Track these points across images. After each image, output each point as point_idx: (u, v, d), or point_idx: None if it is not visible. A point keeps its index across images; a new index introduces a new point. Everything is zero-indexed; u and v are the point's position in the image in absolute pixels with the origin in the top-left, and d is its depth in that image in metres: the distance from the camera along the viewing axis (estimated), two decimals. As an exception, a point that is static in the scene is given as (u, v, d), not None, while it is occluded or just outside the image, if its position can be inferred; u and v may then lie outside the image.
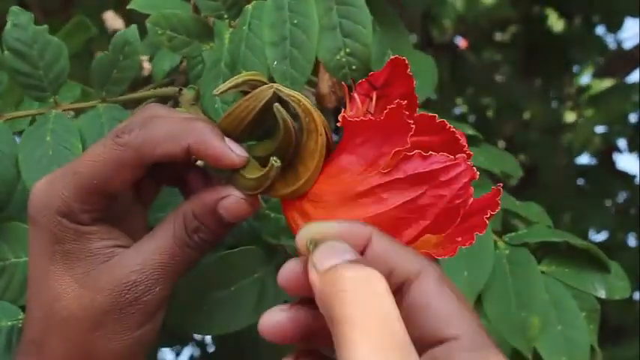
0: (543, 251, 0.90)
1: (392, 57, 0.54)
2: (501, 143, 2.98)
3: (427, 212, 0.48)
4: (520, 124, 2.99)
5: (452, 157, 0.48)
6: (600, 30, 2.94)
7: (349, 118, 0.51)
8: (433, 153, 0.48)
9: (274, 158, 0.51)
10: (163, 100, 0.75)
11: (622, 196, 2.77)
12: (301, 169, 0.53)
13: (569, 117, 3.06)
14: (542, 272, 0.86)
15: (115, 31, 1.76)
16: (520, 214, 0.90)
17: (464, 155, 0.49)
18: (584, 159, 2.95)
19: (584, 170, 2.78)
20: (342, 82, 0.58)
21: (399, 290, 0.44)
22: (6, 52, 0.68)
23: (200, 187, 0.57)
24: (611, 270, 0.86)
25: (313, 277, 0.42)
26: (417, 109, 0.56)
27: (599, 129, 2.81)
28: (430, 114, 0.52)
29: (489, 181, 0.87)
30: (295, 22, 0.60)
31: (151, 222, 0.60)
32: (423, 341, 0.42)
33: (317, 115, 0.52)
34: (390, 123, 0.49)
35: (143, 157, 0.51)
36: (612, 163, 2.89)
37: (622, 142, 2.87)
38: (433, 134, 0.52)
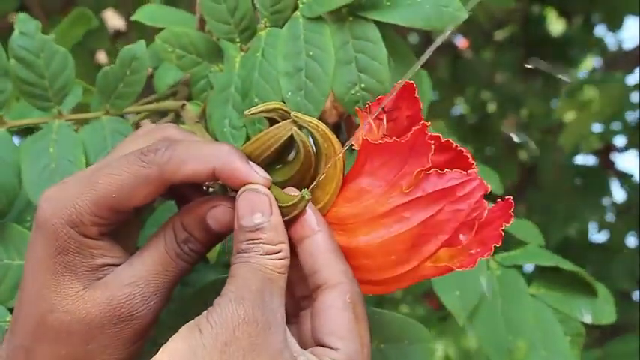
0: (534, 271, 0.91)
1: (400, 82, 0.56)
2: (501, 143, 2.99)
3: (446, 227, 0.51)
4: (520, 124, 3.00)
5: (465, 172, 0.50)
6: (600, 30, 2.94)
7: (372, 141, 0.52)
8: (448, 170, 0.50)
9: (305, 190, 0.53)
10: (165, 113, 0.75)
11: (621, 196, 2.78)
12: (319, 193, 0.54)
13: (569, 117, 3.06)
14: (531, 295, 0.86)
15: (114, 30, 1.75)
16: (512, 234, 0.91)
17: (475, 170, 0.51)
18: (583, 158, 2.96)
19: (582, 169, 2.78)
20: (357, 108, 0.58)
21: (316, 289, 0.52)
22: (12, 60, 0.68)
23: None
24: (598, 294, 0.87)
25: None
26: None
27: (597, 128, 2.81)
28: (435, 134, 0.53)
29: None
30: (311, 53, 0.60)
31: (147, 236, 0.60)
32: (314, 339, 0.52)
33: (335, 140, 0.54)
34: (412, 144, 0.51)
35: (168, 176, 0.52)
36: (611, 163, 2.89)
37: (621, 142, 2.87)
38: (440, 153, 0.54)
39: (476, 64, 2.78)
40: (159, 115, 0.78)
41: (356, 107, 0.58)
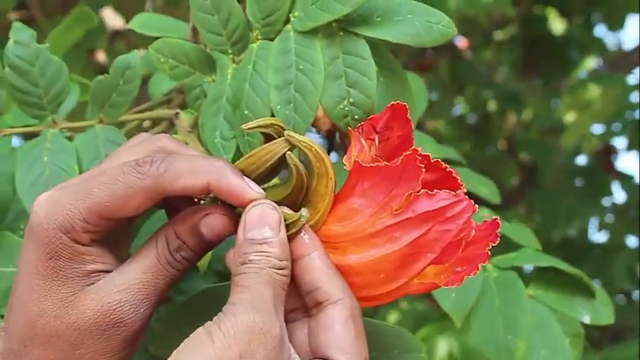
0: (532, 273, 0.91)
1: (393, 103, 0.56)
2: (501, 143, 2.99)
3: (434, 246, 0.52)
4: (520, 124, 3.00)
5: (454, 193, 0.51)
6: (601, 30, 2.94)
7: (362, 163, 0.53)
8: (438, 191, 0.51)
9: (304, 209, 0.54)
10: (159, 121, 0.75)
11: (621, 196, 2.78)
12: (311, 211, 0.55)
13: (569, 117, 3.06)
14: (530, 296, 0.87)
15: (113, 30, 1.76)
16: (509, 237, 0.91)
17: (463, 191, 0.52)
18: (583, 159, 2.96)
19: (582, 170, 2.78)
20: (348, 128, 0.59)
21: (317, 305, 0.53)
22: (6, 69, 0.69)
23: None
24: (596, 295, 0.87)
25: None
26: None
27: (597, 129, 2.81)
28: (425, 153, 0.54)
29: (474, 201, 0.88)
30: (301, 67, 0.60)
31: (139, 244, 0.60)
32: (314, 351, 0.53)
33: (327, 160, 0.55)
34: (403, 168, 0.52)
35: (162, 188, 0.52)
36: (611, 163, 2.90)
37: (621, 143, 2.88)
38: (429, 172, 0.54)
39: (476, 64, 2.78)
40: (153, 123, 0.78)
41: (348, 127, 0.58)
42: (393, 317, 1.94)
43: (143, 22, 0.80)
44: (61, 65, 0.70)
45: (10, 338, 0.54)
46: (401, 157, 0.51)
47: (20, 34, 0.70)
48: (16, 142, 0.73)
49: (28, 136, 0.72)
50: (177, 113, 0.70)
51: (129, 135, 0.72)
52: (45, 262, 0.53)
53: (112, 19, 1.75)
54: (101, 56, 1.84)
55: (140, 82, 0.69)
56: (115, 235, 0.57)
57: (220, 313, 0.50)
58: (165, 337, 0.63)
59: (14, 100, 0.70)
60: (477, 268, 0.53)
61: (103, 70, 1.84)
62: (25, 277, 0.54)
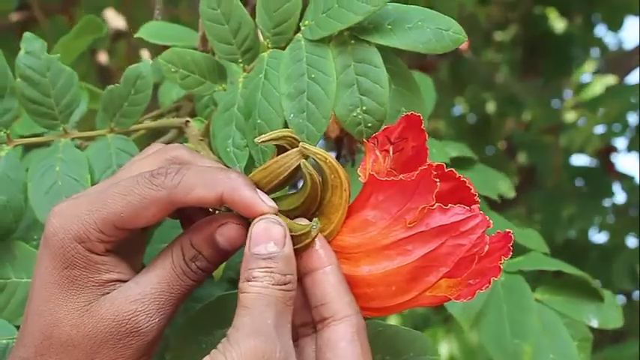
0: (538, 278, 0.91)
1: (406, 113, 0.57)
2: (501, 143, 2.99)
3: (447, 260, 0.52)
4: (520, 124, 3.00)
5: (469, 208, 0.51)
6: (601, 30, 2.94)
7: (377, 177, 0.53)
8: (452, 205, 0.51)
9: (316, 220, 0.54)
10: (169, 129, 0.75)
11: (621, 197, 2.78)
12: (324, 221, 0.55)
13: (569, 117, 3.06)
14: (537, 300, 0.87)
15: (115, 30, 1.76)
16: (516, 241, 0.91)
17: (477, 204, 0.52)
18: (583, 159, 2.96)
19: (582, 170, 2.78)
20: (363, 139, 0.59)
21: (322, 320, 0.54)
22: (18, 80, 0.69)
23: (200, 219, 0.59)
24: (604, 299, 0.87)
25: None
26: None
27: (599, 129, 2.82)
28: (439, 163, 0.54)
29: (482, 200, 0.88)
30: (313, 76, 0.60)
31: (153, 252, 0.61)
32: None
33: (342, 171, 0.55)
34: (418, 182, 0.52)
35: (176, 199, 0.53)
36: (611, 164, 2.90)
37: (621, 143, 2.88)
38: (443, 181, 0.55)
39: (476, 65, 2.78)
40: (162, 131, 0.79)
41: (363, 139, 0.59)
42: (392, 321, 1.94)
43: (152, 31, 0.80)
44: (72, 75, 0.70)
45: (26, 348, 0.54)
46: (416, 172, 0.52)
47: (31, 44, 0.70)
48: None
49: (30, 145, 0.72)
50: (187, 121, 0.70)
51: (138, 142, 0.73)
52: (60, 271, 0.54)
53: (113, 20, 1.75)
54: (103, 57, 1.84)
55: (151, 91, 0.69)
56: (130, 245, 0.58)
57: (225, 340, 0.50)
58: (181, 346, 0.63)
59: (26, 111, 0.70)
60: (490, 282, 0.53)
61: (105, 71, 1.84)
62: (41, 286, 0.54)
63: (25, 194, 0.68)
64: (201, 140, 0.68)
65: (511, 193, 1.01)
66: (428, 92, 1.05)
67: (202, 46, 0.75)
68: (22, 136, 0.76)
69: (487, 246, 0.52)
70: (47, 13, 1.63)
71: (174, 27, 0.83)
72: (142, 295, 0.54)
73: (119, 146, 0.70)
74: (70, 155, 0.69)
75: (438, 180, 0.51)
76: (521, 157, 2.98)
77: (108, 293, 0.54)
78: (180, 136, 0.74)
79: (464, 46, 2.88)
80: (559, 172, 2.71)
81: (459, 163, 0.96)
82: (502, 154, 2.94)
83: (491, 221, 0.52)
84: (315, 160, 0.54)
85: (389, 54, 0.61)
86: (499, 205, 1.01)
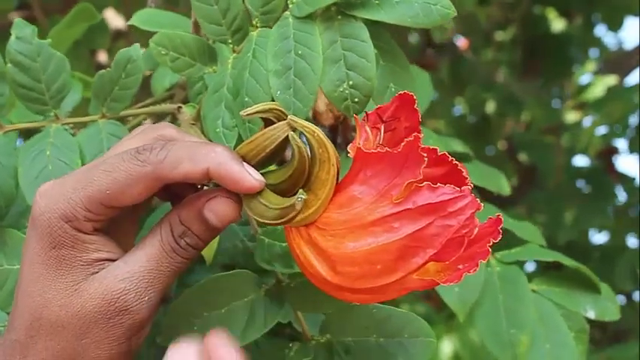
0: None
1: (400, 92, 0.56)
2: (501, 143, 2.99)
3: (435, 241, 0.50)
4: (520, 124, 3.00)
5: (458, 188, 0.50)
6: (601, 30, 2.94)
7: (364, 150, 0.52)
8: (441, 185, 0.50)
9: (301, 191, 0.53)
10: (162, 116, 0.75)
11: (622, 198, 2.78)
12: (311, 197, 0.54)
13: (570, 117, 3.06)
14: (533, 291, 0.87)
15: (115, 30, 1.76)
16: (514, 233, 0.91)
17: (469, 187, 0.51)
18: (582, 160, 2.96)
19: (583, 171, 2.78)
20: (353, 114, 0.59)
21: None
22: (8, 65, 0.69)
23: None
24: (601, 291, 0.87)
25: None
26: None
27: (600, 130, 2.81)
28: (432, 147, 0.54)
29: (479, 196, 0.88)
30: (300, 52, 0.60)
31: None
32: None
33: (330, 146, 0.54)
34: (405, 155, 0.51)
35: (162, 175, 0.52)
36: (612, 165, 2.90)
37: (622, 144, 2.88)
38: (435, 166, 0.54)
39: (476, 65, 2.78)
40: (156, 118, 0.78)
41: (354, 116, 0.58)
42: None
43: (145, 18, 0.80)
44: (62, 60, 0.70)
45: (17, 330, 0.54)
46: (403, 144, 0.51)
47: (22, 30, 0.70)
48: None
49: (30, 135, 0.72)
50: (179, 107, 0.70)
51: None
52: (48, 251, 0.53)
53: (113, 19, 1.75)
54: (103, 57, 1.84)
55: (142, 76, 0.69)
56: (120, 225, 0.57)
57: None
58: (172, 328, 0.63)
59: (17, 96, 0.70)
60: (477, 265, 0.51)
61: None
62: (29, 267, 0.54)
63: (17, 180, 0.68)
64: (193, 124, 0.67)
65: (506, 190, 1.00)
66: (425, 88, 1.05)
67: (195, 31, 0.74)
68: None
69: (477, 228, 0.51)
70: (47, 12, 1.63)
71: (166, 14, 0.83)
72: (130, 274, 0.53)
73: (110, 131, 0.70)
74: (61, 140, 0.69)
75: (425, 154, 0.50)
76: (522, 157, 2.98)
77: (97, 272, 0.54)
78: (174, 123, 0.74)
79: (464, 45, 2.88)
80: (560, 172, 2.71)
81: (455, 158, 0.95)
82: (502, 154, 2.94)
83: (481, 204, 0.51)
84: (303, 134, 0.53)
85: (378, 30, 0.61)
86: (499, 205, 1.01)
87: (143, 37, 0.76)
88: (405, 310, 0.66)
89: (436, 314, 2.01)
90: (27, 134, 0.72)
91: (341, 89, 0.59)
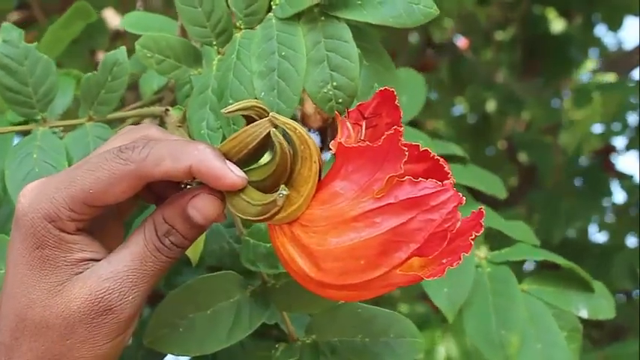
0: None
1: (381, 89, 0.56)
2: (501, 143, 2.99)
3: (417, 236, 0.50)
4: (520, 124, 3.00)
5: (440, 183, 0.50)
6: (601, 30, 2.94)
7: (345, 145, 0.52)
8: (422, 179, 0.50)
9: (283, 186, 0.53)
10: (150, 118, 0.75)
11: (621, 196, 2.78)
12: (294, 194, 0.54)
13: (569, 117, 3.06)
14: (523, 291, 0.87)
15: (114, 30, 1.76)
16: (505, 234, 0.91)
17: (451, 181, 0.51)
18: (582, 159, 2.95)
19: (582, 170, 2.78)
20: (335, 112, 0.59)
21: None
22: (-5, 68, 0.69)
23: None
24: (594, 290, 0.87)
25: None
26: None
27: (597, 128, 2.81)
28: (414, 143, 0.54)
29: (473, 200, 0.88)
30: (283, 53, 0.60)
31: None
32: None
33: (312, 142, 0.54)
34: (386, 149, 0.51)
35: (145, 173, 0.52)
36: (611, 163, 2.89)
37: (621, 143, 2.88)
38: (418, 162, 0.54)
39: (476, 64, 2.78)
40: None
41: (336, 113, 0.58)
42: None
43: (133, 21, 0.80)
44: (49, 64, 0.70)
45: (2, 332, 0.54)
46: (383, 137, 0.51)
47: (9, 33, 0.70)
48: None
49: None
50: (166, 110, 0.70)
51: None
52: (32, 252, 0.53)
53: (112, 19, 1.75)
54: (101, 57, 1.85)
55: (128, 79, 0.69)
56: (105, 226, 0.58)
57: None
58: (158, 330, 0.63)
59: (4, 100, 0.70)
60: (460, 259, 0.51)
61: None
62: (14, 268, 0.54)
63: (3, 183, 0.68)
64: (180, 126, 0.68)
65: (502, 193, 1.00)
66: (418, 90, 1.04)
67: (182, 34, 0.75)
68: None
69: (459, 222, 0.51)
70: (47, 12, 1.63)
71: (154, 17, 0.83)
72: (114, 273, 0.53)
73: (97, 134, 0.70)
74: (48, 143, 0.69)
75: (406, 149, 0.50)
76: (522, 157, 2.98)
77: (81, 272, 0.54)
78: (162, 126, 0.74)
79: (464, 45, 2.88)
80: (559, 171, 2.70)
81: (449, 161, 0.95)
82: (502, 154, 2.94)
83: (463, 198, 0.51)
84: (284, 131, 0.53)
85: (363, 31, 0.61)
86: (499, 205, 1.01)
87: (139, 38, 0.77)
88: (404, 310, 0.67)
89: (435, 315, 2.01)
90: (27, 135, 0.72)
91: (325, 90, 0.59)
